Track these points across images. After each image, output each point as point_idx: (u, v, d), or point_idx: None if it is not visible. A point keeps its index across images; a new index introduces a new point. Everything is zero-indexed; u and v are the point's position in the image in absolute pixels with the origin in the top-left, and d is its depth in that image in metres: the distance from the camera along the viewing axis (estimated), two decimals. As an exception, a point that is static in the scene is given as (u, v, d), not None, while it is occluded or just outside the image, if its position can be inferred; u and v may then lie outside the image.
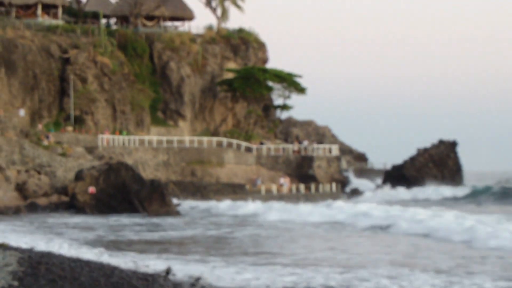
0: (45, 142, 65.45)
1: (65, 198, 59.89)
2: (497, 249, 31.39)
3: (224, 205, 61.16)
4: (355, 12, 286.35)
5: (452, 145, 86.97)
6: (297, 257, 30.21)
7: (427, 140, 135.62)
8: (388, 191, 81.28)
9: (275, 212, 54.11)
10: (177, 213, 56.41)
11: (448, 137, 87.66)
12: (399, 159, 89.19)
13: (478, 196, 78.50)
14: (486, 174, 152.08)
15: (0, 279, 18.85)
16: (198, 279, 22.84)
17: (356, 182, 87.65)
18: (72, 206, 58.18)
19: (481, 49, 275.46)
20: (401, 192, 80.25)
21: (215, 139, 77.64)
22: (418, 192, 79.72)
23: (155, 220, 51.34)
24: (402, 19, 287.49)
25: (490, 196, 78.47)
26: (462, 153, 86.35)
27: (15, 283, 18.57)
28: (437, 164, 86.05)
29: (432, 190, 79.95)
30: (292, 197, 72.40)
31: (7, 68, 70.76)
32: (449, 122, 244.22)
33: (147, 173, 68.64)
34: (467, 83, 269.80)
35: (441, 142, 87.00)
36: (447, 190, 79.96)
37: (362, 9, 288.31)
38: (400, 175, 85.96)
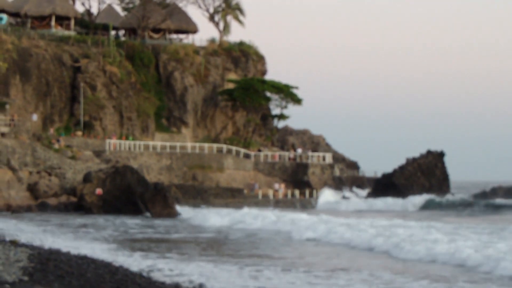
0: (56, 146, 65.62)
1: (73, 199, 60.05)
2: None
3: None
4: (348, 27, 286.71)
5: (440, 155, 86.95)
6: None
7: (417, 150, 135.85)
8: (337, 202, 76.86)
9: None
10: (178, 215, 56.59)
11: (437, 147, 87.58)
12: (389, 168, 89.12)
13: (429, 208, 74.15)
14: (477, 184, 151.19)
15: (11, 274, 19.00)
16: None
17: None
18: (80, 206, 58.34)
19: (469, 62, 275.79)
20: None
21: (215, 145, 77.81)
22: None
23: (157, 221, 51.55)
24: (394, 32, 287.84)
25: (436, 207, 73.92)
26: (454, 163, 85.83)
27: (26, 278, 18.73)
28: (425, 173, 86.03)
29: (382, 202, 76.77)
30: (287, 202, 72.57)
31: (22, 75, 70.99)
32: (439, 132, 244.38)
33: (151, 177, 68.77)
34: (457, 94, 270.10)
35: (429, 153, 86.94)
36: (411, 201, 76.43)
37: (356, 23, 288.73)
38: (389, 183, 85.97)
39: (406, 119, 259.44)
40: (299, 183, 78.19)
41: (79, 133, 72.06)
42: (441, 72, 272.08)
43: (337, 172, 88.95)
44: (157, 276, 23.07)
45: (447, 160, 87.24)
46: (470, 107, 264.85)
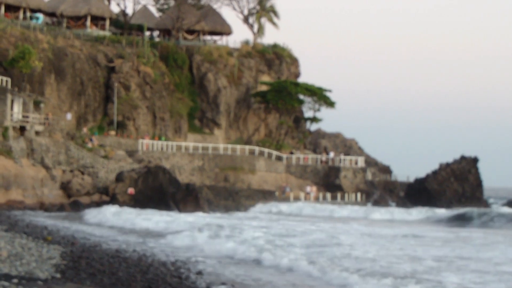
0: (89, 145, 66.06)
1: (106, 198, 60.35)
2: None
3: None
4: (382, 32, 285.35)
5: (474, 161, 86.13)
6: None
7: (451, 155, 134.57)
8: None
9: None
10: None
11: (471, 152, 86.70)
12: (422, 173, 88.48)
13: None
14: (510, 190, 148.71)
15: (44, 271, 19.10)
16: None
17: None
18: (112, 205, 58.53)
19: (503, 68, 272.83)
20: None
21: (247, 147, 77.80)
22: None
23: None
24: (428, 35, 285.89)
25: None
26: (488, 168, 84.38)
27: (58, 275, 18.82)
28: (458, 178, 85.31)
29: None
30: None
31: (57, 75, 71.61)
32: (472, 137, 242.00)
33: (183, 177, 68.97)
34: (491, 99, 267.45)
35: (463, 158, 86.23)
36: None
37: (389, 27, 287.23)
38: (422, 188, 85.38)
39: (440, 123, 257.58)
40: (331, 186, 77.90)
41: (112, 132, 72.50)
42: (475, 78, 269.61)
43: (369, 176, 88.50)
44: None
45: (480, 165, 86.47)
46: (504, 112, 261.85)
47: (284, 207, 68.54)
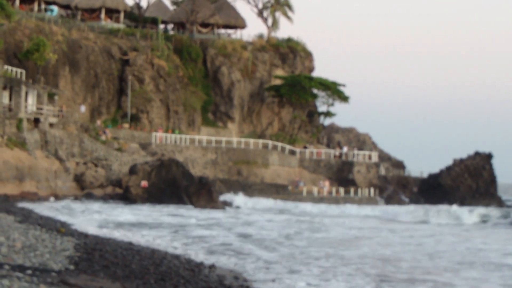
0: (103, 137, 66.15)
1: (119, 190, 60.41)
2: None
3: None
4: (396, 26, 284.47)
5: (488, 157, 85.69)
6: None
7: (465, 151, 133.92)
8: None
9: None
10: (222, 209, 56.61)
11: (485, 148, 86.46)
12: (435, 169, 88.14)
13: None
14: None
15: (57, 263, 19.08)
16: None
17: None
18: (125, 198, 58.66)
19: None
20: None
21: (261, 141, 77.73)
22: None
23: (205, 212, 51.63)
24: (443, 31, 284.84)
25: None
26: (503, 164, 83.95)
27: (71, 267, 18.80)
28: (472, 175, 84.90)
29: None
30: (331, 199, 72.21)
31: (71, 67, 71.76)
32: (487, 133, 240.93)
33: (196, 170, 68.98)
34: (506, 93, 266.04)
35: (477, 154, 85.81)
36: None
37: (404, 23, 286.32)
38: (436, 184, 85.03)
39: (454, 119, 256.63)
40: (344, 181, 77.71)
41: (126, 125, 72.59)
42: (490, 73, 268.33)
43: (382, 171, 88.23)
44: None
45: (494, 162, 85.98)
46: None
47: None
